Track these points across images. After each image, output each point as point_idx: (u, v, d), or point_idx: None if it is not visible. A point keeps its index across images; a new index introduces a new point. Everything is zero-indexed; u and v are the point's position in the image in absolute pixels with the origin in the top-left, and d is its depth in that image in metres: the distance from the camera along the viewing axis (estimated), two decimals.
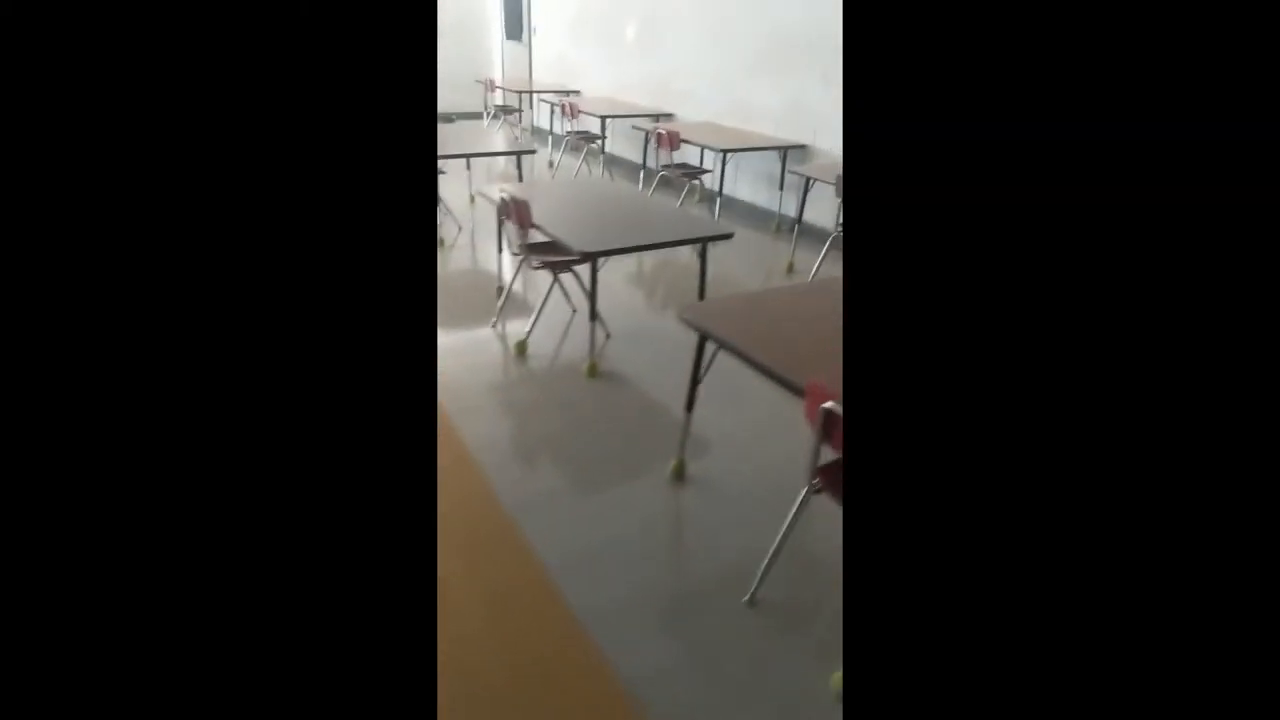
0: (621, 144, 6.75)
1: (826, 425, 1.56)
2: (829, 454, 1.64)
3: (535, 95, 7.64)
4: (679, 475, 2.33)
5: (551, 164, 6.90)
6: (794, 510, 1.79)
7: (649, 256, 4.37)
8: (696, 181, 5.49)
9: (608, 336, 3.29)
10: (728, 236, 2.94)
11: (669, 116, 6.09)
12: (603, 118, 6.01)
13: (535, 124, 8.46)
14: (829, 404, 1.54)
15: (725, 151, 4.68)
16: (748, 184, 5.40)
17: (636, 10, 6.43)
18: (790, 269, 4.30)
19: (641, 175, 6.31)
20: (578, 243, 2.65)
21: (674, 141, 4.85)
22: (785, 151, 4.88)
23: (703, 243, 2.89)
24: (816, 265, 4.19)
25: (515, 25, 8.79)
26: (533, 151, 4.77)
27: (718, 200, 5.23)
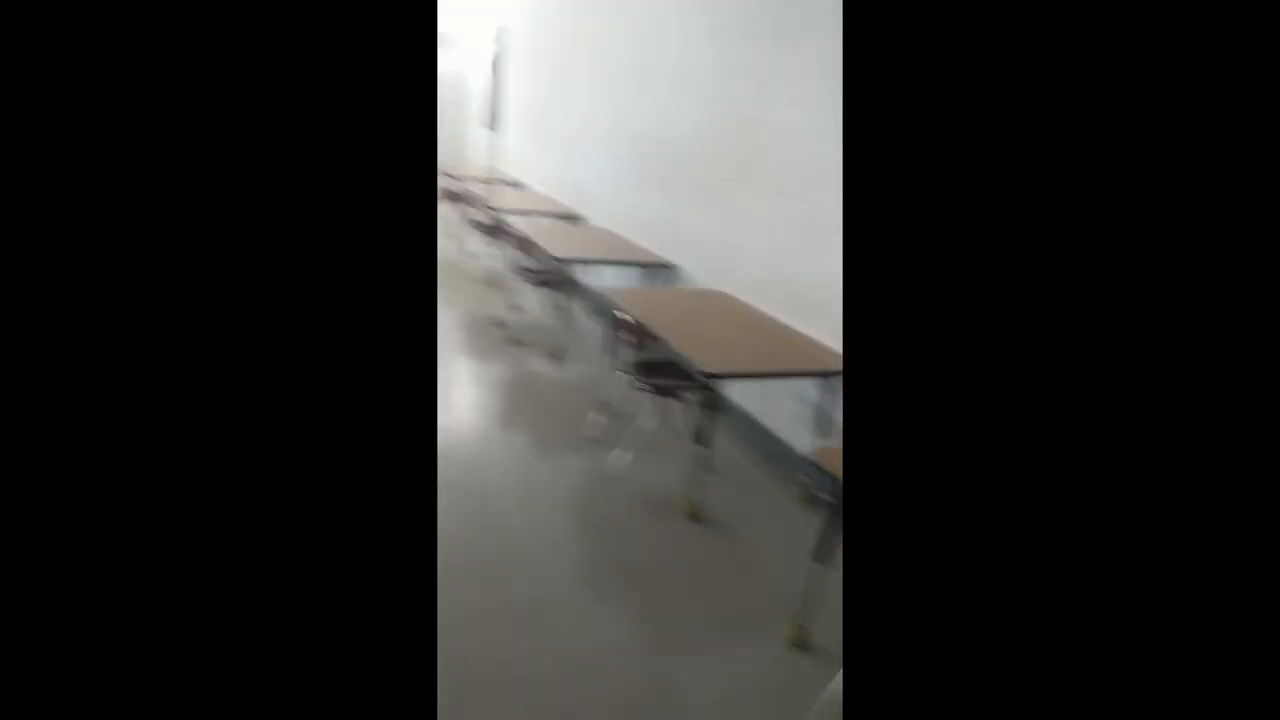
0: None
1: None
2: None
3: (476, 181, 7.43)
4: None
5: None
6: None
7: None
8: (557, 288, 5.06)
9: None
10: None
11: (575, 218, 5.72)
12: (503, 210, 5.66)
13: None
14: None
15: (567, 261, 4.22)
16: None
17: (563, 107, 6.20)
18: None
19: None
20: None
21: (526, 245, 4.44)
22: (649, 269, 4.41)
23: None
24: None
25: (491, 114, 8.77)
26: None
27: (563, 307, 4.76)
